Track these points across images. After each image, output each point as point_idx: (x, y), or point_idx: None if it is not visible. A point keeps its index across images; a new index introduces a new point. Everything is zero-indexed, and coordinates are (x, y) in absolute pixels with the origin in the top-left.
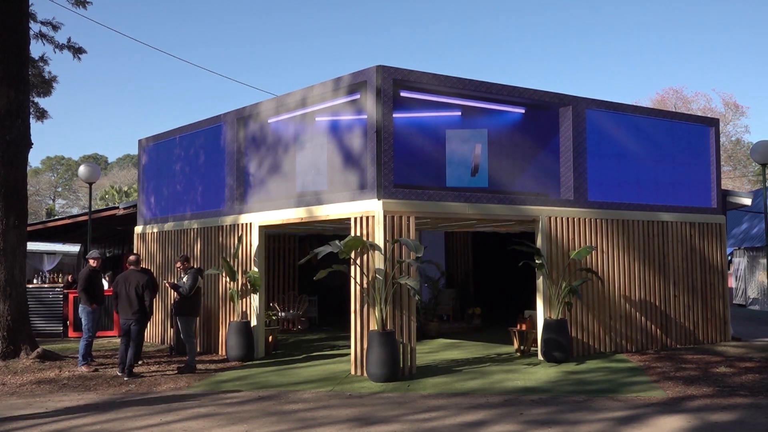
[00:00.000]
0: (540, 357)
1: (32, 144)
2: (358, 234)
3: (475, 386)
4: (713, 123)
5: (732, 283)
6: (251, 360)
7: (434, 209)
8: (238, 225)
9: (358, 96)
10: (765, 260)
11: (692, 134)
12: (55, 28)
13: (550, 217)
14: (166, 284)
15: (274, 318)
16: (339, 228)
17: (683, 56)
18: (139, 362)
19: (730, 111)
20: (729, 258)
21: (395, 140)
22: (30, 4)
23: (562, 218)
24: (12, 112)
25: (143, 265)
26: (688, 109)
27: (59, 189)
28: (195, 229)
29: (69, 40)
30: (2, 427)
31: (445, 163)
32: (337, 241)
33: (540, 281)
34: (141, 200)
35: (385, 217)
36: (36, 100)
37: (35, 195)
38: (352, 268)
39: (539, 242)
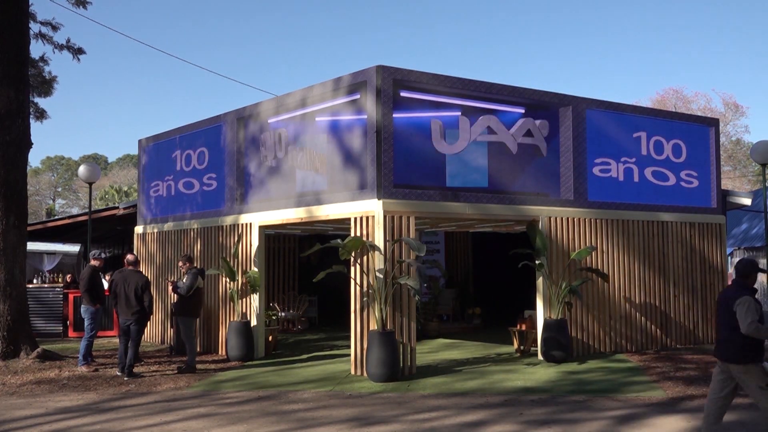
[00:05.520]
0: (540, 357)
1: (32, 144)
2: (358, 234)
3: (475, 386)
4: (713, 123)
5: None
6: (251, 360)
7: (434, 209)
8: (238, 225)
9: (358, 96)
10: (765, 260)
11: (692, 134)
12: (54, 28)
13: (550, 217)
14: (168, 282)
15: (274, 318)
16: (339, 228)
17: (683, 56)
18: (140, 362)
19: (730, 111)
20: (729, 258)
21: (395, 140)
22: (30, 4)
23: (562, 218)
24: (12, 112)
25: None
26: (688, 109)
27: (59, 189)
28: (195, 229)
29: (68, 40)
30: (2, 427)
31: (445, 163)
32: (339, 240)
33: (540, 281)
34: (141, 200)
35: (385, 217)
36: (36, 100)
37: (35, 195)
38: (352, 268)
39: (539, 242)
